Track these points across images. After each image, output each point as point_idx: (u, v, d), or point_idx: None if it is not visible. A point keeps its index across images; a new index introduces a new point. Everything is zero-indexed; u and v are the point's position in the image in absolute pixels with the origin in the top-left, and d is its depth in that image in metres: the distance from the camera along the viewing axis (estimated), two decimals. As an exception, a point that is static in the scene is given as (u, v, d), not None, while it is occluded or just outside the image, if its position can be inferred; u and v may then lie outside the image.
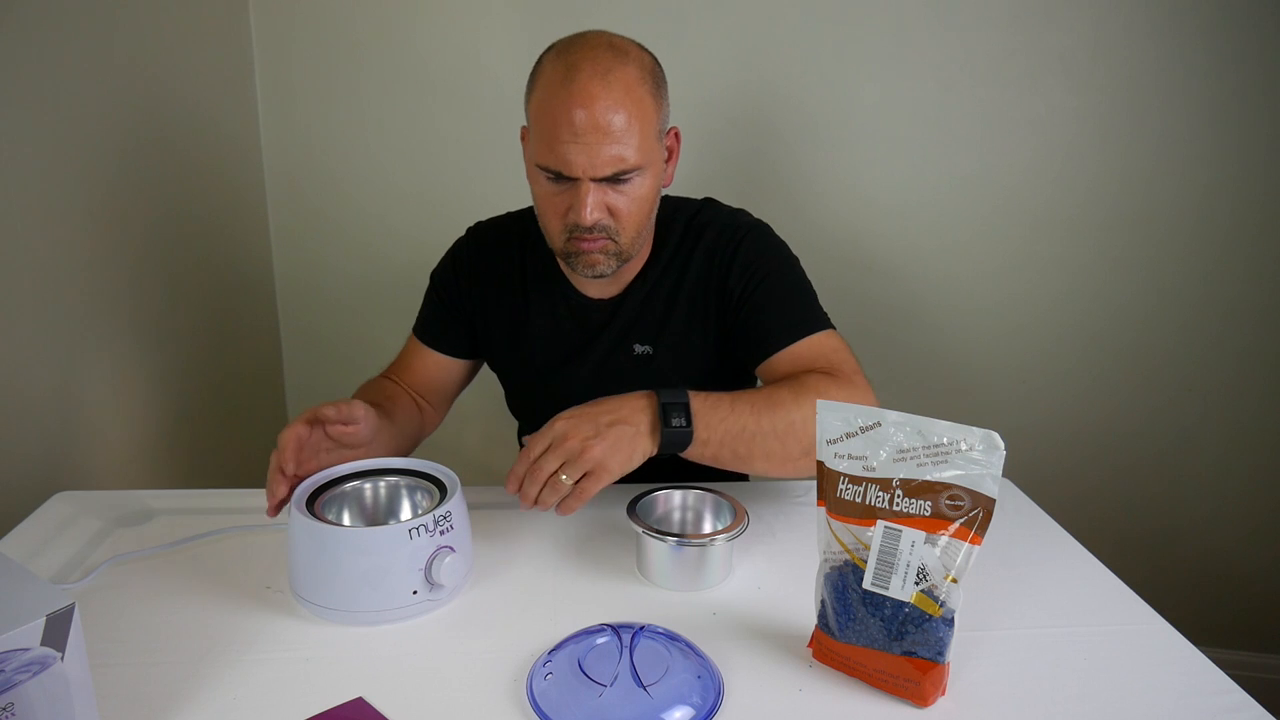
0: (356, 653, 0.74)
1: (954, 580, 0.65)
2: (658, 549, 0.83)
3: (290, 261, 1.79)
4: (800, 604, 0.78)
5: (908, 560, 0.66)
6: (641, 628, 0.72)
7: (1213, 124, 1.53)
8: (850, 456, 0.69)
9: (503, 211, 1.17)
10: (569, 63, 0.89)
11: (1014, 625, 0.78)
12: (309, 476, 0.86)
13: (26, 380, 1.09)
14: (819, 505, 0.72)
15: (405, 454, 1.07)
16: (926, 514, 0.65)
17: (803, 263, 1.06)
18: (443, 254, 1.16)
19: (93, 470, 1.22)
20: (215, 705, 0.67)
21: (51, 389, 1.14)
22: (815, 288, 1.05)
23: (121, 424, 1.30)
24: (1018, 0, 1.51)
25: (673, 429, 0.84)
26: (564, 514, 0.82)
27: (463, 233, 1.16)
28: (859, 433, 0.69)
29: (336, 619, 0.78)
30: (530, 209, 1.02)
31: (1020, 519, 0.99)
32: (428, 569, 0.77)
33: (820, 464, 0.71)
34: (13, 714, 0.53)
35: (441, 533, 0.78)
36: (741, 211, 1.09)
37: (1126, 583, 0.86)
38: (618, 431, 0.82)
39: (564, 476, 0.80)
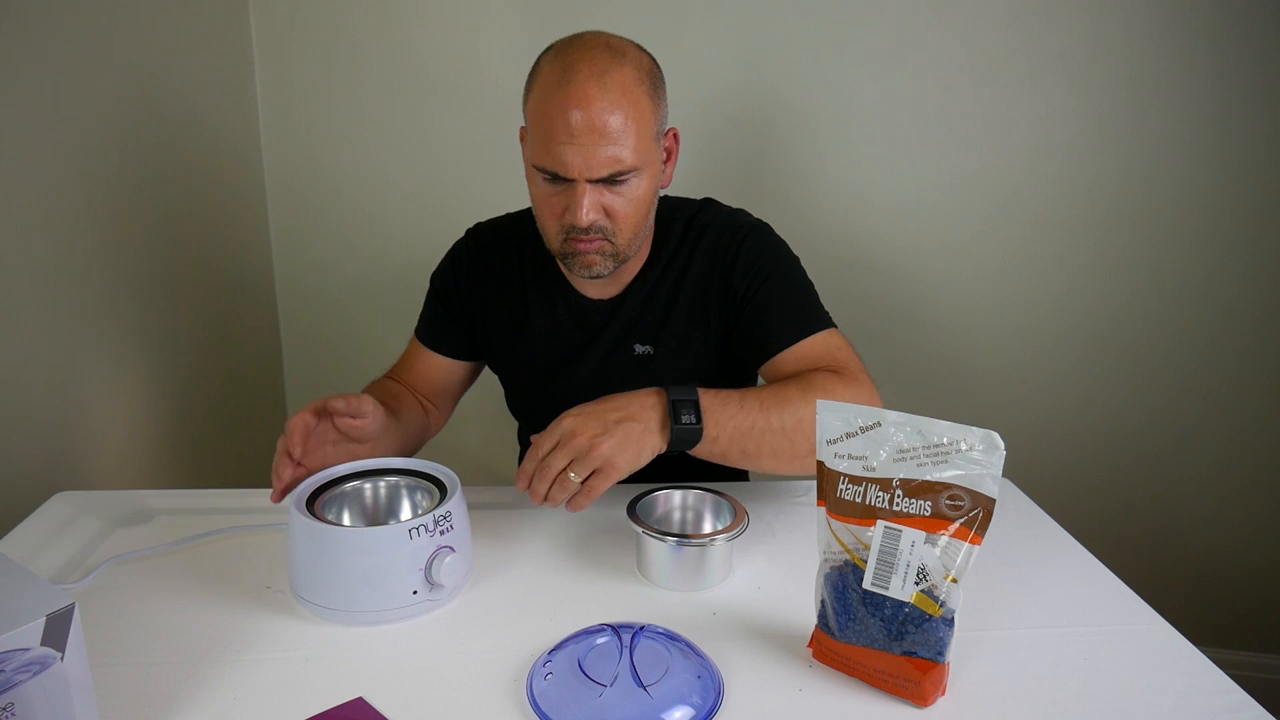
0: (356, 653, 0.74)
1: (954, 580, 0.65)
2: (658, 549, 0.83)
3: (290, 262, 1.79)
4: (800, 604, 0.78)
5: (908, 560, 0.66)
6: (641, 628, 0.72)
7: (1213, 124, 1.53)
8: (850, 456, 0.69)
9: (502, 212, 1.17)
10: (566, 64, 0.89)
11: (1014, 625, 0.78)
12: (314, 465, 0.86)
13: (26, 380, 1.09)
14: (819, 505, 0.72)
15: (410, 454, 1.07)
16: (926, 514, 0.65)
17: (803, 263, 1.06)
18: (442, 255, 1.16)
19: (93, 470, 1.22)
20: (215, 705, 0.67)
21: (51, 389, 1.14)
22: (815, 288, 1.05)
23: (121, 424, 1.30)
24: (1018, 0, 1.51)
25: (683, 426, 0.84)
26: (574, 511, 0.82)
27: (462, 234, 1.16)
28: (859, 433, 0.69)
29: (336, 619, 0.78)
30: (530, 210, 1.02)
31: (1020, 519, 0.99)
32: (428, 569, 0.78)
33: (820, 464, 0.71)
34: (13, 714, 0.53)
35: (441, 533, 0.78)
36: (741, 211, 1.09)
37: (1126, 583, 0.86)
38: (626, 429, 0.81)
39: (572, 474, 0.80)
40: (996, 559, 0.86)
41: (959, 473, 0.65)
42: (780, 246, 1.06)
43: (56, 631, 0.54)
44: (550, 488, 0.81)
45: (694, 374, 1.05)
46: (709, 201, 1.10)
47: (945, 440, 0.65)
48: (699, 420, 0.84)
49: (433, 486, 0.86)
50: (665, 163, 0.99)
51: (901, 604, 0.66)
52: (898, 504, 0.66)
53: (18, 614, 0.53)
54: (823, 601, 0.72)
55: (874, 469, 0.68)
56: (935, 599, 0.65)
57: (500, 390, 1.20)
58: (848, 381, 0.92)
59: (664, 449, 0.85)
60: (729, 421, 0.86)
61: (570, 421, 0.82)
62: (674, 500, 0.92)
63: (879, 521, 0.67)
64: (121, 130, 1.27)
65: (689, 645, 0.72)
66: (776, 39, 1.58)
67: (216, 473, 1.56)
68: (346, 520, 0.85)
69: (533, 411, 1.17)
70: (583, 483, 0.81)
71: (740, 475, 1.14)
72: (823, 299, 1.04)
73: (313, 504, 0.81)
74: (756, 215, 1.09)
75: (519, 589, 0.84)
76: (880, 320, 1.69)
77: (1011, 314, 1.68)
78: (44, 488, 1.02)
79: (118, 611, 0.79)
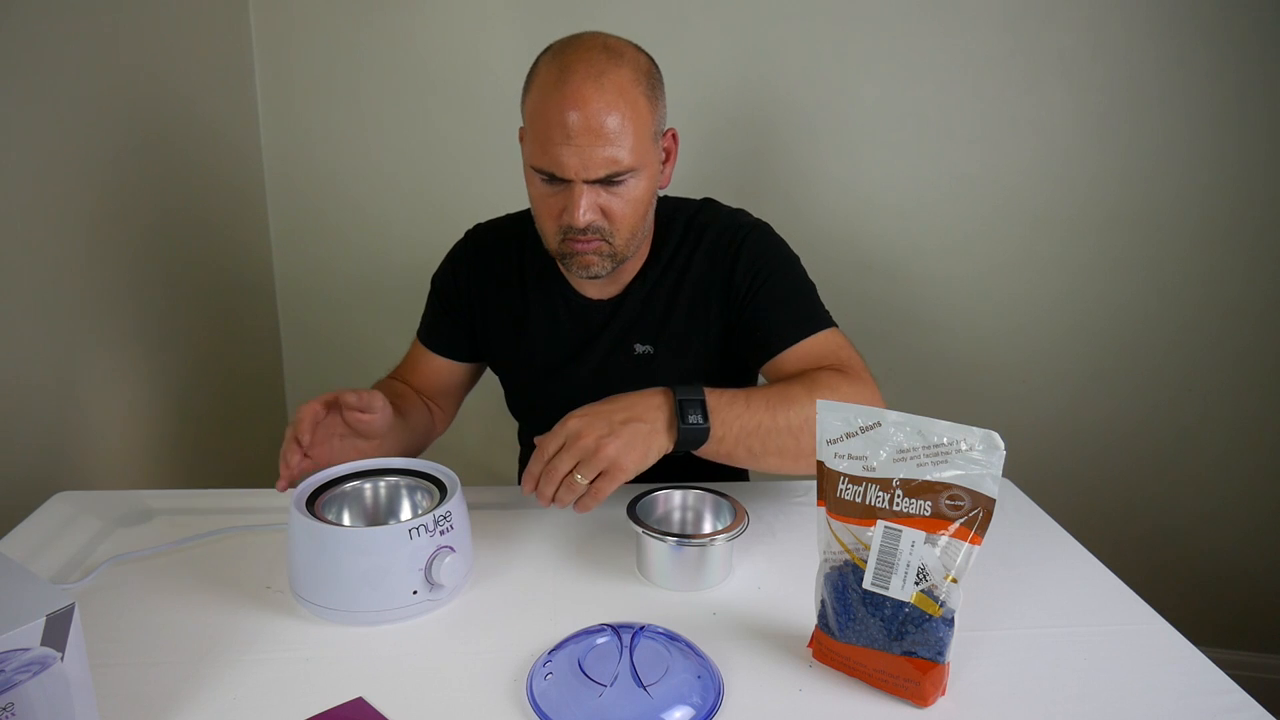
0: (356, 653, 0.74)
1: (954, 580, 0.65)
2: (658, 549, 0.83)
3: (290, 262, 1.79)
4: (800, 604, 0.78)
5: (908, 560, 0.66)
6: (641, 628, 0.72)
7: (1213, 124, 1.53)
8: (850, 456, 0.69)
9: (502, 212, 1.17)
10: (563, 64, 0.89)
11: (1014, 625, 0.78)
12: (320, 458, 0.86)
13: (26, 380, 1.09)
14: (819, 505, 0.72)
15: (416, 454, 1.07)
16: (926, 514, 0.65)
17: (803, 262, 1.06)
18: (442, 255, 1.16)
19: (93, 470, 1.22)
20: (215, 705, 0.67)
21: (51, 389, 1.14)
22: (816, 287, 1.05)
23: (121, 424, 1.30)
24: (1018, 0, 1.51)
25: (690, 425, 0.83)
26: (581, 512, 0.82)
27: (462, 234, 1.16)
28: (859, 433, 0.69)
29: (336, 619, 0.78)
30: (530, 210, 1.02)
31: (1020, 519, 0.99)
32: (428, 569, 0.77)
33: (820, 464, 0.71)
34: (13, 714, 0.53)
35: (441, 533, 0.78)
36: (741, 211, 1.09)
37: (1126, 583, 0.86)
38: (632, 429, 0.81)
39: (579, 476, 0.80)
40: (996, 559, 0.86)
41: (959, 473, 0.65)
42: (781, 246, 1.06)
43: (56, 631, 0.54)
44: (557, 489, 0.81)
45: (694, 374, 1.05)
46: (709, 201, 1.10)
47: (945, 440, 0.65)
48: (706, 420, 0.84)
49: (433, 486, 0.86)
50: (664, 163, 0.99)
51: (901, 604, 0.66)
52: (898, 504, 0.66)
53: (18, 614, 0.53)
54: (823, 601, 0.72)
55: (874, 469, 0.68)
56: (935, 599, 0.65)
57: (500, 390, 1.20)
58: (852, 380, 0.92)
59: (670, 449, 0.84)
60: (735, 421, 0.86)
61: (576, 422, 0.81)
62: (674, 500, 0.92)
63: (879, 521, 0.67)
64: (121, 130, 1.27)
65: (689, 645, 0.72)
66: (776, 39, 1.58)
67: (216, 473, 1.56)
68: (346, 520, 0.85)
69: (533, 411, 1.17)
70: (590, 484, 0.80)
71: (740, 475, 1.14)
72: (823, 299, 1.04)
73: (313, 504, 0.81)
74: (756, 215, 1.09)
75: (519, 589, 0.84)
76: (880, 320, 1.69)
77: (1011, 314, 1.68)
78: (44, 488, 1.02)
79: (118, 611, 0.79)
